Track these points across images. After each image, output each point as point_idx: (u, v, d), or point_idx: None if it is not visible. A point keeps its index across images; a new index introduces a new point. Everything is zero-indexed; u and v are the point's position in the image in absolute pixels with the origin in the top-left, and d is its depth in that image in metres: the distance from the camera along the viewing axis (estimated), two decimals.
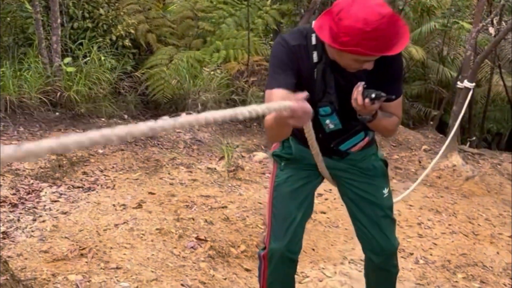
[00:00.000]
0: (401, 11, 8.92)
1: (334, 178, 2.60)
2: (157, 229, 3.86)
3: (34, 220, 3.92)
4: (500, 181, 6.25)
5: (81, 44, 7.09)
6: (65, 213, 4.07)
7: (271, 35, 9.38)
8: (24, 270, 3.17)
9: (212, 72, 7.40)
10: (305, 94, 1.80)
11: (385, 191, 2.57)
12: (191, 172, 5.31)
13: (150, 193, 4.57)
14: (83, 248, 3.49)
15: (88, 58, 6.89)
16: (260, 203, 4.53)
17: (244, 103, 7.38)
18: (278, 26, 9.14)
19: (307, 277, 3.66)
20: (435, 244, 4.41)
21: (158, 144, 6.12)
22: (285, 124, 1.89)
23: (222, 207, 4.44)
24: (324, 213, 4.61)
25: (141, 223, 3.93)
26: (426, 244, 4.39)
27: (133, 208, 4.21)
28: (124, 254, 3.48)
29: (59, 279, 3.11)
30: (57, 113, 6.42)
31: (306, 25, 2.26)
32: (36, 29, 6.54)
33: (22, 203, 4.22)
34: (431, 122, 8.92)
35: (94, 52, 6.91)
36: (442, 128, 8.65)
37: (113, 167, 5.23)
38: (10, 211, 4.03)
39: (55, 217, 3.98)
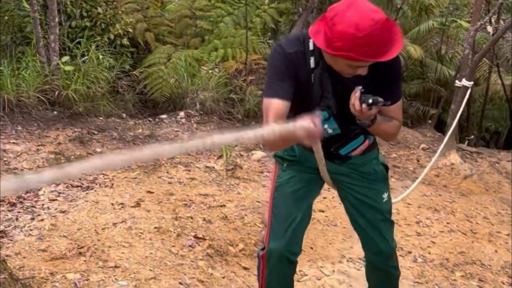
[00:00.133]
0: (399, 9, 8.92)
1: (334, 182, 2.61)
2: (155, 227, 3.86)
3: (33, 219, 3.92)
4: (499, 179, 6.25)
5: (79, 43, 7.08)
6: (63, 212, 4.07)
7: (269, 33, 9.39)
8: (23, 268, 3.17)
9: (210, 71, 7.40)
10: (320, 114, 1.95)
11: (385, 195, 2.59)
12: (189, 171, 5.31)
13: (149, 192, 4.57)
14: (82, 247, 3.49)
15: (86, 57, 6.89)
16: (259, 202, 4.54)
17: (242, 101, 7.38)
18: (276, 25, 9.16)
19: (305, 275, 3.67)
20: (434, 242, 4.41)
21: (157, 143, 6.11)
22: (294, 141, 1.92)
23: (221, 206, 4.44)
24: (323, 211, 4.62)
25: (139, 222, 3.93)
26: (425, 242, 4.39)
27: (132, 207, 4.21)
28: (123, 252, 3.48)
29: (57, 277, 3.11)
30: (55, 112, 6.42)
31: (304, 30, 2.27)
32: (34, 28, 6.53)
33: (21, 202, 4.21)
34: (430, 121, 8.92)
35: (92, 51, 6.90)
36: (441, 127, 8.65)
37: None
38: (9, 210, 4.03)
39: (53, 216, 3.98)
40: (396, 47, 2.06)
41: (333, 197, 4.78)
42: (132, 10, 8.08)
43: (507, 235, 4.74)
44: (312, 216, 2.66)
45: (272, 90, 2.21)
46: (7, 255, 3.26)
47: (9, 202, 4.16)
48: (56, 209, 4.13)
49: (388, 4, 8.86)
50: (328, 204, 4.74)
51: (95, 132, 6.13)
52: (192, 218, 4.12)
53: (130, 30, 7.67)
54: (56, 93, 6.45)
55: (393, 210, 2.71)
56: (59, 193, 4.46)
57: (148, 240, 3.69)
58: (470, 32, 6.66)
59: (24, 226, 3.77)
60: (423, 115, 10.28)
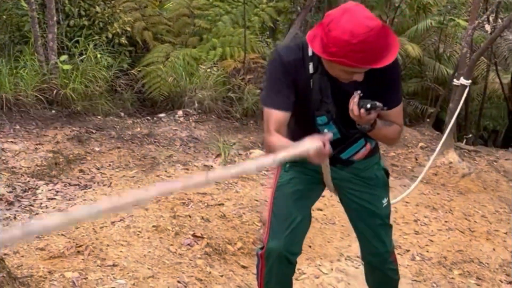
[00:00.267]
0: (397, 8, 8.93)
1: (336, 187, 2.62)
2: (153, 226, 3.86)
3: (31, 217, 3.92)
4: (497, 178, 6.26)
5: (77, 42, 7.08)
6: (61, 210, 4.07)
7: (267, 32, 9.39)
8: (21, 267, 3.17)
9: (208, 70, 7.41)
10: (331, 135, 2.11)
11: (384, 200, 2.61)
12: (187, 169, 5.31)
13: None
14: (80, 246, 3.49)
15: (84, 56, 6.89)
16: (257, 200, 4.54)
17: (240, 100, 7.39)
18: (274, 23, 9.16)
19: (304, 273, 3.67)
20: (432, 240, 4.42)
21: (155, 141, 6.11)
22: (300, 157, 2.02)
23: (219, 204, 4.44)
24: (321, 210, 4.62)
25: (137, 221, 3.92)
26: (423, 241, 4.40)
27: None
28: (121, 251, 3.48)
29: (55, 276, 3.11)
30: (53, 111, 6.41)
31: (303, 38, 2.29)
32: (32, 27, 6.53)
33: (19, 200, 4.21)
34: (428, 120, 8.93)
35: (90, 50, 6.90)
36: (439, 126, 8.66)
37: (109, 164, 5.23)
38: (7, 209, 4.03)
39: (51, 215, 3.98)
40: (391, 54, 2.08)
41: (331, 196, 4.77)
42: (130, 9, 8.08)
43: (505, 233, 4.74)
44: None
45: (272, 100, 2.27)
46: (5, 254, 3.26)
47: (7, 201, 4.16)
48: (54, 207, 4.13)
49: (386, 3, 8.87)
50: (326, 203, 4.74)
51: (93, 131, 6.13)
52: (190, 216, 4.12)
53: (128, 29, 7.67)
54: (54, 92, 6.44)
55: (391, 209, 2.72)
56: (57, 192, 4.46)
57: (146, 239, 3.69)
58: (468, 31, 6.67)
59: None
60: (421, 114, 10.29)
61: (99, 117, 6.64)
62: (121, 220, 3.91)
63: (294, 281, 2.74)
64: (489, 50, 8.97)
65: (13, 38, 7.13)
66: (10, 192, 4.34)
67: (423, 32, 10.24)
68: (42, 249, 3.42)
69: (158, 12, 8.69)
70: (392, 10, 9.06)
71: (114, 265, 3.30)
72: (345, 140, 2.43)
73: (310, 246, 4.03)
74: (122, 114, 7.06)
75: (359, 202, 2.58)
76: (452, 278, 3.91)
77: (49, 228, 1.06)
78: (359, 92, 2.18)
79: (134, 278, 3.19)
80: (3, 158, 4.97)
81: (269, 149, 2.33)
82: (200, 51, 7.90)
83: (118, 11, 7.66)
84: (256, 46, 8.16)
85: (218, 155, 5.70)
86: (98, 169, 5.09)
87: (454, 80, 6.52)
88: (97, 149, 5.61)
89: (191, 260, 3.55)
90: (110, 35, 7.40)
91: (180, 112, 7.04)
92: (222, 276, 3.48)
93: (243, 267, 3.66)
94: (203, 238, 3.84)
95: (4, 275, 2.75)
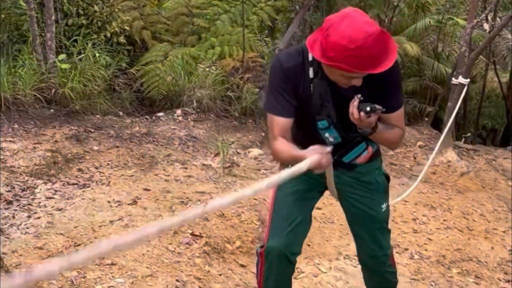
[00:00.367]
0: (396, 7, 8.93)
1: (338, 192, 2.64)
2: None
3: (29, 216, 3.92)
4: (495, 176, 6.26)
5: (75, 41, 7.07)
6: (60, 209, 4.07)
7: (266, 31, 9.38)
8: (19, 266, 3.17)
9: (207, 69, 7.40)
10: (330, 148, 2.23)
11: (384, 205, 2.63)
12: (186, 168, 5.31)
13: (145, 189, 4.57)
14: (78, 244, 3.49)
15: (82, 55, 6.88)
16: (256, 199, 4.53)
17: (239, 99, 7.38)
18: (273, 22, 9.15)
19: (302, 272, 3.67)
20: (430, 239, 4.42)
21: (154, 141, 6.11)
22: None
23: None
24: (320, 209, 4.62)
25: (136, 220, 3.92)
26: (421, 239, 4.40)
27: (128, 204, 4.21)
28: (119, 250, 3.48)
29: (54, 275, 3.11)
30: (51, 110, 6.41)
31: (304, 41, 2.34)
32: (31, 26, 6.52)
33: (17, 200, 4.21)
34: (426, 118, 8.92)
35: (89, 49, 6.90)
36: (437, 124, 8.65)
37: (108, 163, 5.23)
38: (5, 208, 4.03)
39: (50, 214, 3.98)
40: (389, 59, 2.10)
41: (329, 195, 4.78)
42: (128, 8, 8.07)
43: (504, 232, 4.75)
44: None
45: (273, 106, 2.35)
46: (3, 253, 3.26)
47: (5, 200, 4.16)
48: (52, 207, 4.13)
49: (384, 2, 8.86)
50: (325, 202, 4.74)
51: (92, 130, 6.13)
52: None
53: (127, 28, 7.66)
54: (53, 91, 6.44)
55: (390, 208, 2.73)
56: (56, 191, 4.46)
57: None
58: (466, 30, 6.67)
59: (20, 224, 3.77)
60: (419, 113, 10.29)
61: (98, 116, 6.64)
62: (119, 219, 3.91)
63: (292, 280, 2.75)
64: (487, 49, 8.97)
65: (12, 37, 7.13)
66: (9, 191, 4.34)
67: (421, 31, 10.22)
68: (40, 248, 3.42)
69: (156, 11, 8.68)
70: (391, 9, 9.04)
71: (112, 264, 3.29)
72: (346, 144, 2.45)
73: (308, 245, 4.03)
74: (121, 113, 7.06)
75: (358, 206, 2.60)
76: (451, 276, 3.92)
77: (52, 272, 1.06)
78: (359, 95, 2.20)
79: (132, 277, 3.19)
80: (2, 157, 4.96)
81: (274, 155, 2.43)
82: (199, 50, 7.89)
83: (116, 10, 7.65)
84: (255, 45, 8.16)
85: (217, 154, 5.70)
86: (96, 168, 5.09)
87: (453, 79, 6.52)
88: (95, 148, 5.61)
89: (189, 259, 3.55)
90: (108, 34, 7.40)
91: (178, 111, 7.04)
92: (220, 274, 3.48)
93: (242, 266, 3.66)
94: (201, 237, 3.84)
95: (3, 274, 2.75)
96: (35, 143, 5.43)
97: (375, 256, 2.69)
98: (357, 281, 3.53)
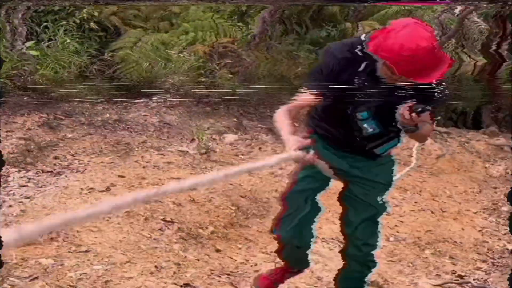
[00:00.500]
0: None
1: (340, 178, 2.71)
2: (125, 212, 3.81)
3: (0, 205, 3.85)
4: (471, 159, 6.32)
5: (46, 27, 6.94)
6: (31, 197, 4.01)
7: (237, 16, 9.27)
8: None
9: (181, 55, 7.34)
10: (309, 141, 2.28)
11: (382, 198, 2.71)
12: (163, 155, 5.27)
13: (120, 176, 4.53)
14: (51, 232, 3.44)
15: (53, 41, 6.76)
16: (231, 185, 4.53)
17: (212, 85, 7.34)
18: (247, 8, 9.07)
19: None
20: (402, 221, 4.47)
21: (128, 127, 6.05)
22: None
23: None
24: None
25: None
26: (392, 221, 4.44)
27: (100, 191, 4.17)
28: (95, 237, 3.45)
29: (30, 263, 3.08)
30: (25, 98, 6.29)
31: (354, 38, 2.45)
32: None
33: None
34: None
35: (60, 35, 6.78)
36: None
37: (83, 151, 5.16)
38: None
39: (20, 202, 3.92)
40: (436, 73, 2.28)
41: None
42: None
43: (474, 213, 4.83)
44: None
45: (313, 86, 2.50)
46: None
47: None
48: (22, 195, 4.07)
49: None
50: None
51: (62, 118, 6.03)
52: (161, 202, 4.08)
53: (96, 14, 7.54)
54: (23, 78, 6.32)
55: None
56: (29, 179, 4.40)
57: (116, 225, 3.66)
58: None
59: None
60: None
61: (69, 103, 6.53)
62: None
63: (270, 264, 2.76)
64: (459, 32, 9.05)
65: None
66: None
67: (392, 16, 10.27)
68: None
69: None
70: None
71: (87, 251, 3.27)
72: (383, 136, 2.57)
73: None
74: (93, 99, 6.96)
75: (361, 197, 2.68)
76: (426, 257, 3.97)
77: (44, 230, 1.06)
78: (414, 100, 2.36)
79: (110, 264, 3.17)
80: None
81: (274, 119, 2.53)
82: (171, 36, 7.82)
83: None
84: (228, 31, 8.10)
85: (192, 140, 5.67)
86: (72, 155, 5.03)
87: None
88: (69, 135, 5.53)
89: (167, 244, 3.54)
90: (77, 21, 7.27)
91: (151, 98, 6.97)
92: (198, 260, 3.48)
93: (218, 250, 3.67)
94: (173, 222, 3.82)
95: None
96: (6, 131, 5.33)
97: (363, 246, 2.73)
98: (334, 264, 3.55)
